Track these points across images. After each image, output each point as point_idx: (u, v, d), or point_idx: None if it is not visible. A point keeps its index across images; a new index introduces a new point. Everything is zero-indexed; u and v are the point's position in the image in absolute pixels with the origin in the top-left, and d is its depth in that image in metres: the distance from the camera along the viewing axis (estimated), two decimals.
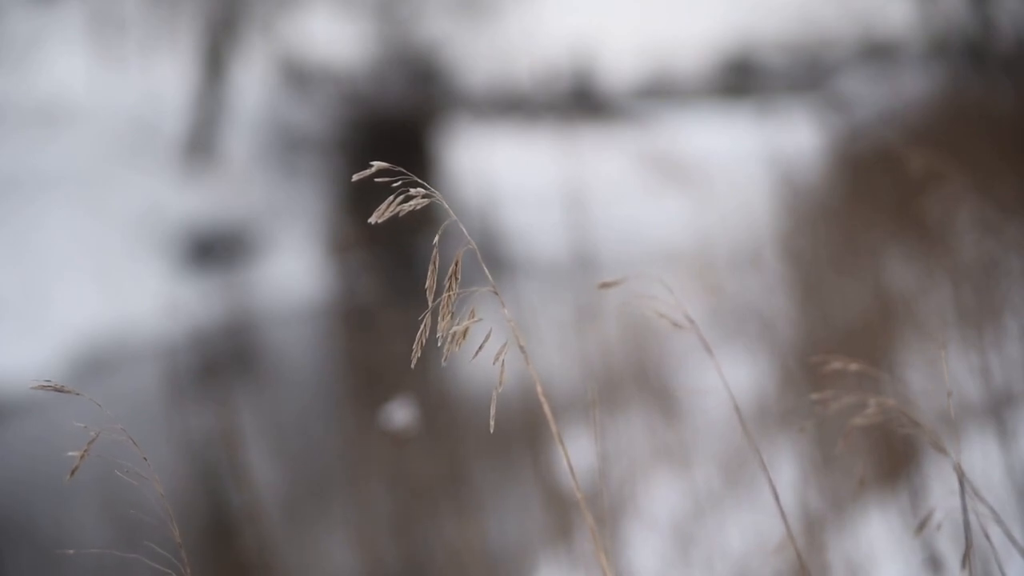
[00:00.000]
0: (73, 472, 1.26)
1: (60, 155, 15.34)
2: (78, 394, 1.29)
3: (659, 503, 4.42)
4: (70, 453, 1.26)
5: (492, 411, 1.25)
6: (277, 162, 17.70)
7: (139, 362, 11.06)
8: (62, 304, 12.57)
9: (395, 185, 1.26)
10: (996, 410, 2.74)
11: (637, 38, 22.69)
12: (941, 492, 2.53)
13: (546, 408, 1.26)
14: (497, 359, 1.24)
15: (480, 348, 1.28)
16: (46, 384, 1.28)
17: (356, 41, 19.88)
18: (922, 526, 1.36)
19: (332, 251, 14.89)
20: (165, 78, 18.13)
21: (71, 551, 1.33)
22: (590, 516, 1.28)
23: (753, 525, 3.59)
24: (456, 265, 1.27)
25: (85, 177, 15.10)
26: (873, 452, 3.07)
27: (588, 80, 22.12)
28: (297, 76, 18.98)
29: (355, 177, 1.27)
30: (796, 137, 8.68)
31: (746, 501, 3.87)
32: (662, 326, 1.37)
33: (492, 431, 1.26)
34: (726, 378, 1.42)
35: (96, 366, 11.51)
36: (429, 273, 1.26)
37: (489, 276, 1.28)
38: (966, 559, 1.31)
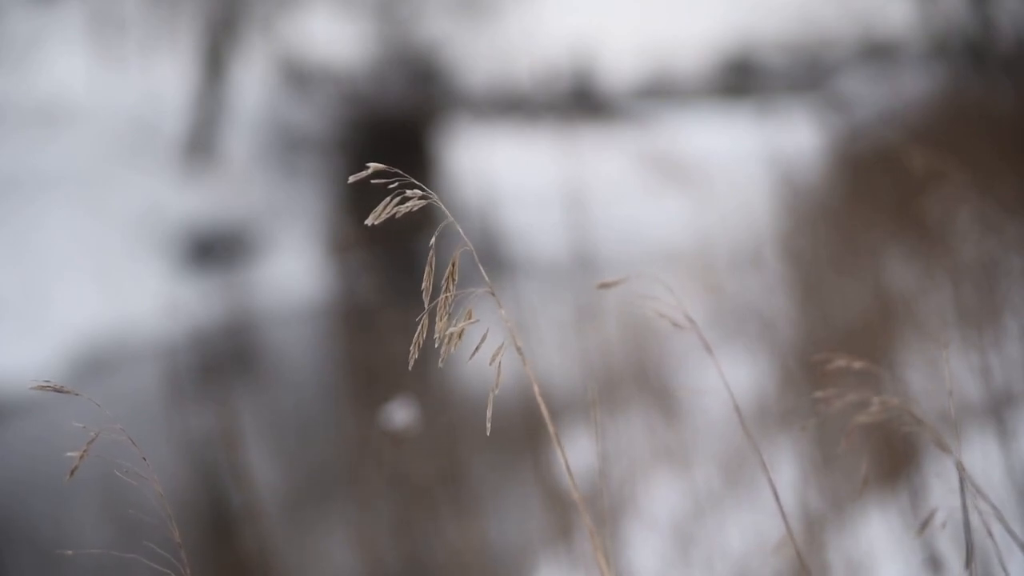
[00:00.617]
0: (73, 472, 1.26)
1: (60, 155, 15.34)
2: (78, 394, 1.29)
3: (659, 503, 4.42)
4: (70, 453, 1.26)
5: (488, 412, 1.24)
6: (277, 162, 17.70)
7: (139, 362, 11.05)
8: (62, 304, 12.57)
9: (392, 187, 1.26)
10: (996, 410, 2.74)
11: (637, 38, 22.70)
12: (941, 492, 2.53)
13: (543, 408, 1.26)
14: (493, 360, 1.24)
15: (476, 349, 1.28)
16: (46, 384, 1.28)
17: (356, 41, 19.88)
18: (924, 526, 1.35)
19: (332, 251, 14.88)
20: (165, 78, 18.12)
21: (71, 551, 1.33)
22: (588, 517, 1.28)
23: (753, 525, 3.59)
24: (453, 266, 1.27)
25: (85, 177, 15.10)
26: (873, 452, 3.07)
27: (588, 80, 22.12)
28: (297, 76, 18.98)
29: (351, 179, 1.26)
30: (796, 137, 8.68)
31: (746, 501, 3.87)
32: (662, 326, 1.37)
33: (489, 433, 1.26)
34: (726, 378, 1.41)
35: (96, 366, 11.50)
36: (425, 275, 1.26)
37: (486, 276, 1.27)
38: (969, 559, 1.30)
